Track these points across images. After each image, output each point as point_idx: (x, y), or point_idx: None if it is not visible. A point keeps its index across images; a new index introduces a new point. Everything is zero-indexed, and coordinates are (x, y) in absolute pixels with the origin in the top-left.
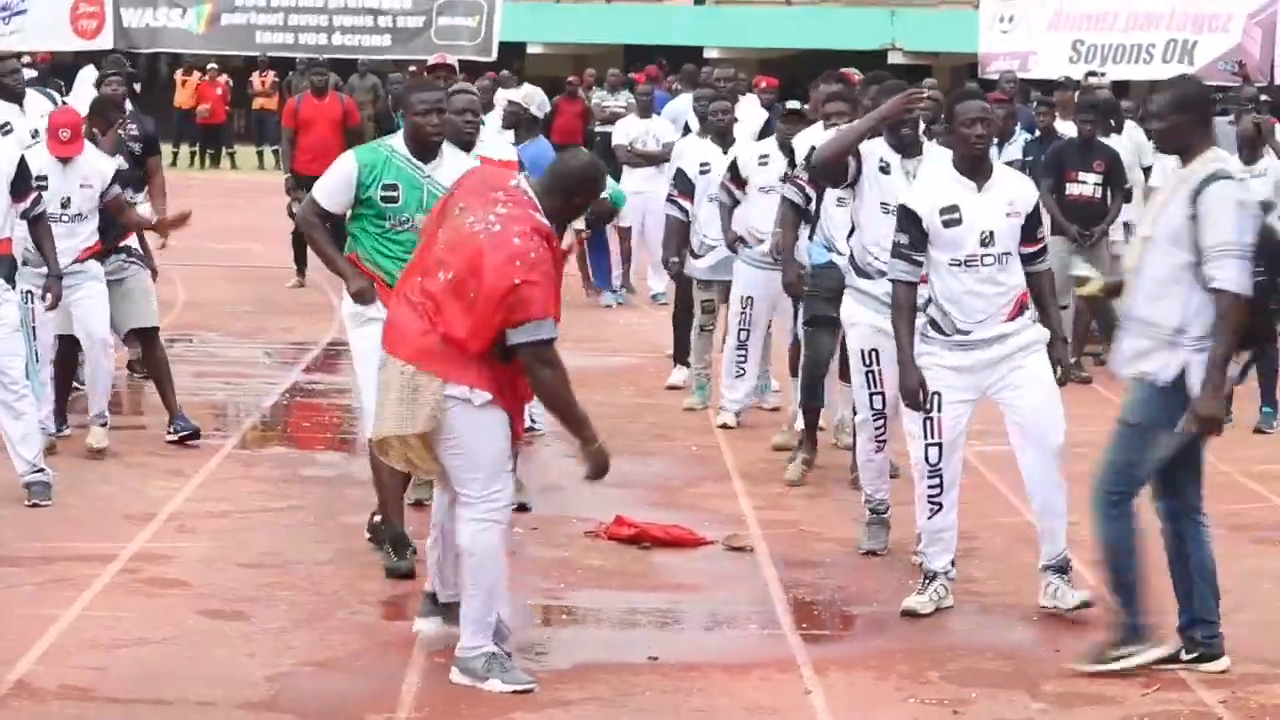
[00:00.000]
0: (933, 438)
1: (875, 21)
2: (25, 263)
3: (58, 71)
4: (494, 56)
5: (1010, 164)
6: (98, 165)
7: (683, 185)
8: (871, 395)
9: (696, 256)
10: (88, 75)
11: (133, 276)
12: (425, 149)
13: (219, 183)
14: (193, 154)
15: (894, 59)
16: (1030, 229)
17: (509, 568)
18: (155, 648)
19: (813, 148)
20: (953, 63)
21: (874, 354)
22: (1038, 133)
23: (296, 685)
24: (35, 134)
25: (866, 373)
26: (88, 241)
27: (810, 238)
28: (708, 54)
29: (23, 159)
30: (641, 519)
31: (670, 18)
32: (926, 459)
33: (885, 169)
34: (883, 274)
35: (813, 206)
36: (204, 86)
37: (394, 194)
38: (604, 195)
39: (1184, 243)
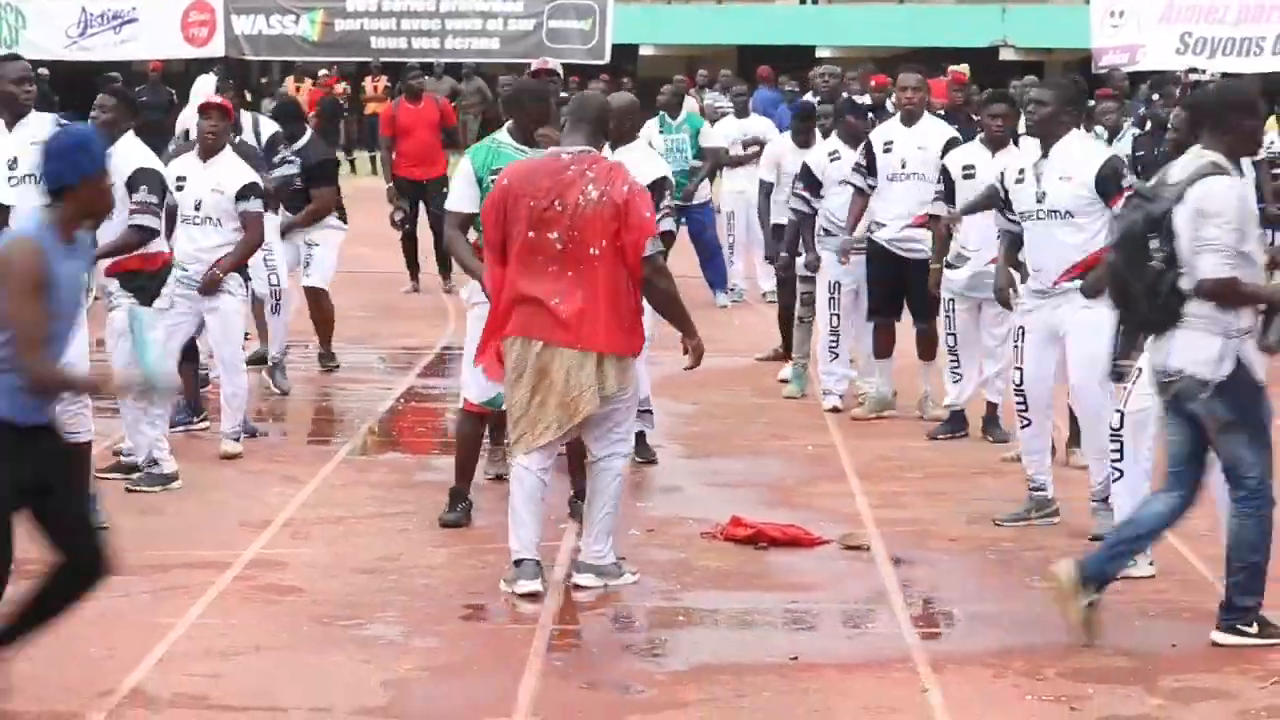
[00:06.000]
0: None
1: (986, 18)
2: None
3: (169, 80)
4: (607, 59)
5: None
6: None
7: (808, 181)
8: None
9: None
10: (204, 85)
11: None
12: (532, 139)
13: None
14: None
15: (1005, 55)
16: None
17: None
18: (270, 655)
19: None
20: (1064, 58)
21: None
22: (1148, 126)
23: (413, 691)
24: (186, 135)
25: None
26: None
27: None
28: (819, 53)
29: None
30: (758, 519)
31: (782, 18)
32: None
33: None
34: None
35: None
36: (316, 93)
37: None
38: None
39: None
